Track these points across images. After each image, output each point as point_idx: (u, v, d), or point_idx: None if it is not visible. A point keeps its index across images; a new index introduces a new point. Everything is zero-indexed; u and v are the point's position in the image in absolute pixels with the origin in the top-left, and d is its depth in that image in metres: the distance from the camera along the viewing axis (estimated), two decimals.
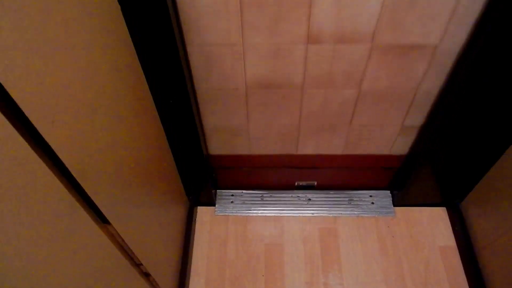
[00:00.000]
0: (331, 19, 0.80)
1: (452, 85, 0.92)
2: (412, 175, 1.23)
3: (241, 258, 1.28)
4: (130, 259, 0.77)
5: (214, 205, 1.38)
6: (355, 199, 1.39)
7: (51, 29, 0.44)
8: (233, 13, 0.79)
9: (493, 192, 1.12)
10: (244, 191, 1.41)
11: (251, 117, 1.07)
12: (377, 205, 1.37)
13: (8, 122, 0.37)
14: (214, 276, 1.24)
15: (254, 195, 1.40)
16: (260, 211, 1.37)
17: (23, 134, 0.40)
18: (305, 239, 1.31)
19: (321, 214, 1.36)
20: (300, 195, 1.40)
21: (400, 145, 1.18)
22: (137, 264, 0.81)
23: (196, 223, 1.35)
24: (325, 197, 1.39)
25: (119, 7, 0.64)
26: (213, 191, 1.37)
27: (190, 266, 1.26)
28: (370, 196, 1.39)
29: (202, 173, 1.24)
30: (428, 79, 0.94)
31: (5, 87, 0.37)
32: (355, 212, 1.36)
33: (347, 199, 1.39)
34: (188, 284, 1.23)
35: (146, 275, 0.88)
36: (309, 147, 1.19)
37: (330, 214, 1.36)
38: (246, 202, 1.39)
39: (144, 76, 0.78)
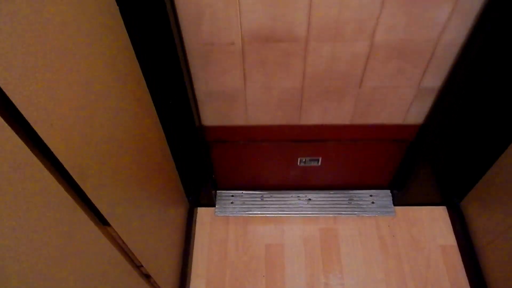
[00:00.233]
0: None
1: (476, 36, 0.81)
2: (412, 174, 1.23)
3: (242, 259, 1.27)
4: (130, 261, 0.77)
5: (214, 206, 1.38)
6: (355, 199, 1.39)
7: (49, 31, 0.44)
8: None
9: (493, 191, 1.12)
10: (244, 192, 1.41)
11: (248, 79, 0.94)
12: (377, 204, 1.37)
13: (7, 125, 0.37)
14: (214, 277, 1.24)
15: (254, 195, 1.40)
16: (260, 212, 1.37)
17: (22, 137, 0.40)
18: (306, 239, 1.31)
19: (321, 214, 1.36)
20: (300, 195, 1.40)
21: (415, 113, 1.04)
22: (137, 266, 0.81)
23: (196, 224, 1.35)
24: (325, 197, 1.39)
25: (117, 8, 0.64)
26: (213, 192, 1.37)
27: (191, 267, 1.26)
28: (370, 195, 1.39)
29: (202, 171, 1.23)
30: (451, 28, 0.82)
31: (4, 90, 0.36)
32: (356, 212, 1.36)
33: (347, 199, 1.39)
34: (189, 285, 1.22)
35: (147, 276, 0.88)
36: (313, 116, 1.06)
37: (330, 214, 1.36)
38: (246, 202, 1.39)
39: (143, 76, 0.78)
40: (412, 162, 1.20)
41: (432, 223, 1.33)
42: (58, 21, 0.46)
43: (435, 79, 0.94)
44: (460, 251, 1.27)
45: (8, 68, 0.37)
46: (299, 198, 1.39)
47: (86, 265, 0.57)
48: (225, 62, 0.90)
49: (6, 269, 0.40)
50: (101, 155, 0.58)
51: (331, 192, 1.40)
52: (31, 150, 0.41)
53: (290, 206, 1.38)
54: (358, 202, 1.38)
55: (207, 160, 1.22)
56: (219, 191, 1.41)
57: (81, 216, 0.54)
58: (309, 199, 1.39)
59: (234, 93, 0.99)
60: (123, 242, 0.69)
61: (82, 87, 0.52)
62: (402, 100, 1.00)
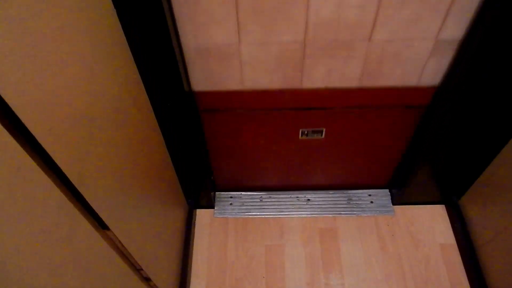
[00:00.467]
0: None
1: None
2: (411, 173, 1.23)
3: (241, 260, 1.27)
4: (130, 264, 0.76)
5: (213, 207, 1.38)
6: (354, 198, 1.39)
7: (47, 36, 0.43)
8: None
9: (491, 189, 1.13)
10: (243, 193, 1.41)
11: (243, 31, 0.83)
12: (376, 204, 1.37)
13: (5, 130, 0.37)
14: (214, 279, 1.24)
15: (253, 196, 1.40)
16: (259, 213, 1.36)
17: (20, 142, 0.40)
18: (305, 239, 1.31)
19: (321, 215, 1.36)
20: (299, 195, 1.40)
21: (431, 73, 0.93)
22: (137, 269, 0.81)
23: (196, 226, 1.35)
24: (324, 197, 1.39)
25: (115, 11, 0.64)
26: (212, 193, 1.37)
27: (191, 269, 1.25)
28: (369, 195, 1.39)
29: (200, 169, 1.23)
30: None
31: (2, 95, 0.36)
32: (355, 212, 1.36)
33: (346, 198, 1.39)
34: (189, 287, 1.22)
35: (147, 280, 0.88)
36: (316, 78, 0.94)
37: (329, 214, 1.36)
38: (245, 204, 1.39)
39: (140, 79, 0.78)
40: (411, 161, 1.20)
41: (431, 222, 1.33)
42: (56, 26, 0.45)
43: (456, 29, 0.82)
44: (459, 249, 1.27)
45: (6, 73, 0.37)
46: (298, 198, 1.39)
47: (86, 269, 0.57)
48: (216, 10, 0.78)
49: (6, 273, 0.39)
50: (99, 159, 0.58)
51: (330, 192, 1.40)
52: (29, 154, 0.41)
53: (289, 206, 1.38)
54: (357, 202, 1.38)
55: (204, 153, 1.20)
56: (218, 192, 1.41)
57: (80, 220, 0.54)
58: (308, 200, 1.39)
59: (227, 50, 0.87)
60: (123, 246, 0.69)
61: (80, 91, 0.52)
62: (417, 56, 0.88)
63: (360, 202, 1.38)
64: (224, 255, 1.28)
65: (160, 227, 1.00)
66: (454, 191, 1.31)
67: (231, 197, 1.40)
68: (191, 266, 1.26)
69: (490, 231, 1.14)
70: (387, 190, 1.40)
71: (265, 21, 0.81)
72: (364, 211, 1.36)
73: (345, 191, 1.40)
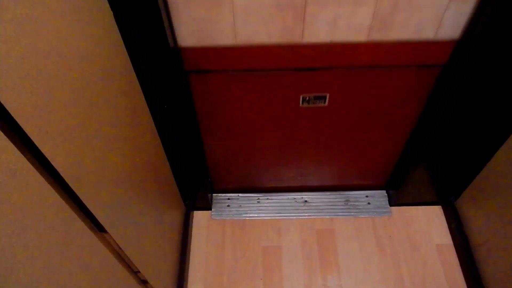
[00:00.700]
0: None
1: None
2: (408, 174, 1.23)
3: (239, 262, 1.27)
4: (127, 267, 0.76)
5: (210, 209, 1.38)
6: (351, 199, 1.39)
7: (43, 39, 0.43)
8: None
9: (487, 190, 1.13)
10: (240, 195, 1.41)
11: None
12: (373, 205, 1.38)
13: (2, 133, 0.37)
14: (212, 281, 1.24)
15: (250, 198, 1.40)
16: (256, 214, 1.36)
17: (17, 145, 0.39)
18: (303, 241, 1.31)
19: (318, 216, 1.36)
20: (296, 197, 1.40)
21: (452, 22, 0.82)
22: (134, 272, 0.81)
23: (193, 228, 1.34)
24: (321, 198, 1.39)
25: (111, 13, 0.64)
26: (209, 195, 1.37)
27: (188, 271, 1.25)
28: (366, 196, 1.39)
29: (198, 172, 1.22)
30: None
31: None
32: (352, 213, 1.36)
33: (343, 200, 1.39)
34: None
35: (144, 282, 0.87)
36: (319, 30, 0.82)
37: (326, 215, 1.36)
38: (242, 205, 1.39)
39: (137, 80, 0.78)
40: (407, 161, 1.20)
41: (428, 223, 1.34)
42: (52, 29, 0.45)
43: None
44: (456, 249, 1.27)
45: (3, 76, 0.36)
46: (295, 200, 1.39)
47: (83, 272, 0.56)
48: None
49: (3, 278, 0.39)
50: (97, 161, 0.58)
51: (327, 193, 1.40)
52: (26, 158, 0.41)
53: (287, 208, 1.38)
54: (354, 203, 1.38)
55: (201, 150, 1.19)
56: (215, 194, 1.41)
57: (78, 223, 0.53)
58: (305, 201, 1.39)
59: None
60: (120, 248, 0.69)
61: (77, 94, 0.52)
62: (435, 2, 0.78)
63: (357, 203, 1.38)
64: (222, 257, 1.28)
65: (157, 229, 0.99)
66: (451, 192, 1.32)
67: (228, 199, 1.40)
68: (188, 268, 1.26)
69: (487, 232, 1.15)
70: (384, 191, 1.40)
71: None
72: (361, 212, 1.36)
73: (342, 192, 1.40)
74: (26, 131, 0.40)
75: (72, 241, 0.52)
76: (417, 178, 1.25)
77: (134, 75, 0.76)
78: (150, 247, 0.90)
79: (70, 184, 0.49)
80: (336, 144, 1.18)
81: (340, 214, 1.36)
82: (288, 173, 1.33)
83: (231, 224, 1.35)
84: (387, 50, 0.87)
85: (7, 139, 0.38)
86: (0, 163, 0.37)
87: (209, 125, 1.09)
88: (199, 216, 1.37)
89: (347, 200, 1.39)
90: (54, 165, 0.46)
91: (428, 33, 0.84)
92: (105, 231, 0.62)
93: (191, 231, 1.33)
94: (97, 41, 0.58)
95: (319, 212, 1.36)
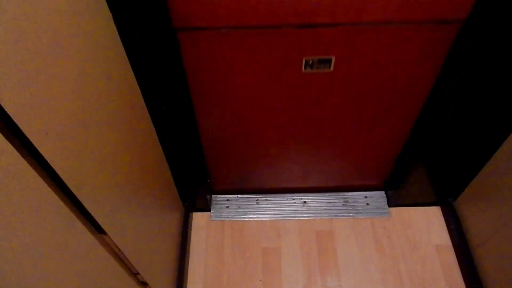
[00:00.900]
0: None
1: None
2: (406, 175, 1.23)
3: (238, 264, 1.27)
4: (126, 268, 0.76)
5: (209, 210, 1.38)
6: (350, 200, 1.39)
7: (42, 40, 0.43)
8: None
9: (486, 190, 1.13)
10: (239, 196, 1.41)
11: None
12: (372, 206, 1.38)
13: (1, 134, 0.37)
14: (211, 283, 1.24)
15: (249, 199, 1.40)
16: (256, 216, 1.36)
17: (16, 147, 0.39)
18: (302, 242, 1.31)
19: (317, 217, 1.36)
20: (295, 198, 1.40)
21: None
22: (133, 274, 0.81)
23: (192, 229, 1.34)
24: (320, 199, 1.39)
25: (110, 15, 0.64)
26: (208, 196, 1.37)
27: (187, 273, 1.25)
28: (365, 197, 1.39)
29: (197, 173, 1.22)
30: None
31: None
32: (351, 214, 1.36)
33: (342, 201, 1.39)
34: None
35: (143, 284, 0.87)
36: None
37: (325, 216, 1.36)
38: (241, 206, 1.39)
39: (136, 82, 0.78)
40: (406, 162, 1.21)
41: (427, 223, 1.34)
42: (51, 30, 0.45)
43: None
44: (455, 250, 1.28)
45: (2, 77, 0.36)
46: (294, 201, 1.39)
47: (83, 274, 0.56)
48: None
49: (2, 280, 0.39)
50: (96, 163, 0.58)
51: (326, 194, 1.40)
52: (25, 159, 0.41)
53: (286, 209, 1.38)
54: (353, 204, 1.38)
55: (200, 151, 1.18)
56: (214, 195, 1.41)
57: (77, 225, 0.53)
58: (304, 202, 1.39)
59: None
60: (119, 250, 0.69)
61: (76, 95, 0.52)
62: None
63: (356, 204, 1.38)
64: (221, 258, 1.28)
65: (157, 231, 0.99)
66: (450, 192, 1.32)
67: (227, 200, 1.40)
68: (187, 270, 1.26)
69: (486, 232, 1.15)
70: (383, 192, 1.40)
71: None
72: (360, 213, 1.36)
73: (341, 193, 1.40)
74: (25, 133, 0.40)
75: (71, 242, 0.52)
76: (415, 179, 1.25)
77: (133, 75, 0.76)
78: (149, 249, 0.90)
79: (69, 186, 0.49)
80: (340, 120, 1.08)
81: (339, 215, 1.36)
82: (288, 160, 1.25)
83: (230, 225, 1.35)
84: (401, 1, 0.77)
85: (6, 140, 0.38)
86: (0, 165, 0.37)
87: (202, 99, 0.99)
88: (198, 218, 1.37)
89: (346, 201, 1.39)
90: (53, 167, 0.46)
91: None
92: (104, 233, 0.62)
93: (190, 232, 1.33)
94: (96, 42, 0.58)
95: (318, 213, 1.36)
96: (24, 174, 0.41)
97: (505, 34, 0.80)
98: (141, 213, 0.84)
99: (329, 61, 0.90)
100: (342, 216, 1.36)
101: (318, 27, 0.82)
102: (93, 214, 0.56)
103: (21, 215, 0.41)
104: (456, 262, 1.26)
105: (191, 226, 1.35)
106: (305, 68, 0.92)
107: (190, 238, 1.32)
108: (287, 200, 1.40)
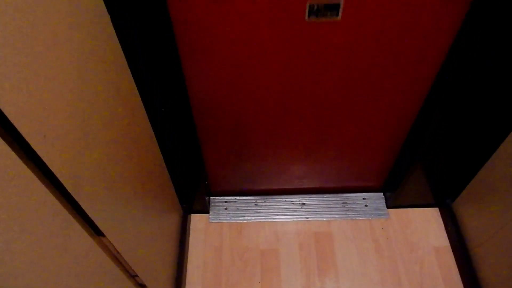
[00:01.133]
0: None
1: None
2: (405, 176, 1.24)
3: (237, 265, 1.27)
4: (125, 270, 0.76)
5: (208, 212, 1.38)
6: (348, 202, 1.39)
7: (40, 43, 0.43)
8: None
9: (484, 192, 1.14)
10: (237, 198, 1.40)
11: None
12: (370, 207, 1.38)
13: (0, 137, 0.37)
14: (210, 284, 1.23)
15: (247, 201, 1.40)
16: (254, 217, 1.36)
17: (15, 149, 0.39)
18: (300, 243, 1.31)
19: (315, 218, 1.36)
20: (294, 199, 1.40)
21: None
22: (132, 276, 0.80)
23: (190, 231, 1.34)
24: (318, 201, 1.39)
25: (108, 16, 0.64)
26: (206, 198, 1.37)
27: (186, 275, 1.25)
28: (364, 198, 1.40)
29: (195, 175, 1.22)
30: None
31: None
32: (349, 215, 1.36)
33: (340, 202, 1.39)
34: None
35: (142, 286, 0.87)
36: None
37: (324, 218, 1.36)
38: (240, 208, 1.38)
39: (135, 84, 0.78)
40: (405, 163, 1.21)
41: (425, 225, 1.34)
42: (49, 32, 0.45)
43: None
44: (453, 251, 1.28)
45: (0, 79, 0.36)
46: (293, 202, 1.39)
47: (81, 276, 0.56)
48: None
49: (1, 282, 0.39)
50: (94, 165, 0.58)
51: (325, 196, 1.40)
52: (24, 162, 0.41)
53: (284, 210, 1.38)
54: (352, 206, 1.38)
55: (198, 151, 1.17)
56: (213, 197, 1.41)
57: (75, 227, 0.53)
58: (303, 203, 1.39)
59: None
60: (118, 252, 0.69)
61: (75, 98, 0.52)
62: None
63: (354, 206, 1.38)
64: (219, 260, 1.28)
65: (155, 233, 0.99)
66: (448, 194, 1.32)
67: (226, 202, 1.40)
68: (186, 272, 1.25)
69: (484, 233, 1.15)
70: (381, 194, 1.40)
71: None
72: (358, 214, 1.36)
73: (339, 195, 1.40)
74: (23, 135, 0.40)
75: (70, 245, 0.52)
76: (414, 180, 1.25)
77: (131, 77, 0.76)
78: (148, 251, 0.90)
79: (68, 188, 0.49)
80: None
81: (338, 216, 1.36)
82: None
83: (228, 227, 1.35)
84: None
85: (4, 143, 0.38)
86: None
87: (192, 57, 0.87)
88: (196, 219, 1.37)
89: (345, 203, 1.39)
90: (51, 169, 0.45)
91: None
92: (103, 235, 0.61)
93: (189, 234, 1.33)
94: (94, 44, 0.58)
95: (316, 215, 1.36)
96: (22, 177, 0.41)
97: (505, 34, 0.80)
98: (139, 215, 0.84)
99: (337, 6, 0.77)
100: (341, 217, 1.36)
101: None
102: (91, 216, 0.56)
103: (20, 217, 0.41)
104: (454, 263, 1.26)
105: (189, 228, 1.34)
106: (309, 15, 0.79)
107: (188, 240, 1.32)
108: (285, 201, 1.40)
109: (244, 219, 1.36)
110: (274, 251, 1.30)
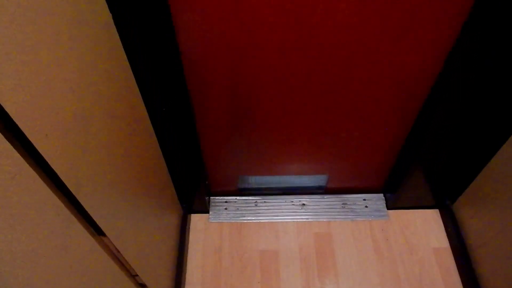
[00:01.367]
0: None
1: None
2: (405, 177, 1.24)
3: (236, 266, 1.27)
4: (125, 270, 0.76)
5: (207, 212, 1.38)
6: (348, 203, 1.39)
7: (42, 42, 0.43)
8: None
9: (484, 193, 1.14)
10: (237, 198, 1.40)
11: None
12: (370, 208, 1.38)
13: (1, 135, 0.37)
14: (209, 285, 1.23)
15: (247, 201, 1.40)
16: (254, 218, 1.36)
17: (17, 148, 0.39)
18: (300, 244, 1.31)
19: (315, 219, 1.36)
20: (294, 200, 1.40)
21: None
22: (132, 275, 0.80)
23: (190, 231, 1.34)
24: (319, 201, 1.39)
25: (110, 16, 0.64)
26: (206, 198, 1.37)
27: (185, 275, 1.25)
28: (364, 199, 1.40)
29: (196, 176, 1.22)
30: None
31: None
32: (349, 216, 1.36)
33: (340, 203, 1.39)
34: None
35: (142, 285, 0.87)
36: None
37: (324, 218, 1.36)
38: (240, 208, 1.38)
39: (136, 83, 0.77)
40: (405, 165, 1.21)
41: (425, 226, 1.34)
42: (52, 31, 0.45)
43: None
44: (453, 253, 1.28)
45: (2, 78, 0.36)
46: (293, 203, 1.39)
47: (82, 276, 0.56)
48: None
49: (1, 282, 0.39)
50: (96, 164, 0.58)
51: (325, 196, 1.40)
52: (26, 160, 0.40)
53: (284, 211, 1.38)
54: (352, 207, 1.38)
55: (198, 151, 1.17)
56: (213, 197, 1.41)
57: (77, 226, 0.53)
58: (303, 204, 1.39)
59: None
60: (118, 252, 0.69)
61: (77, 96, 0.52)
62: None
63: (354, 207, 1.38)
64: (219, 260, 1.28)
65: (155, 232, 0.99)
66: (448, 195, 1.32)
67: (226, 202, 1.40)
68: (185, 272, 1.25)
69: (484, 235, 1.15)
70: (381, 195, 1.40)
71: None
72: (358, 215, 1.36)
73: (339, 196, 1.40)
74: (26, 133, 0.40)
75: (71, 244, 0.52)
76: (414, 181, 1.25)
77: (133, 76, 0.76)
78: (148, 251, 0.90)
79: (70, 188, 0.49)
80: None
81: (338, 217, 1.36)
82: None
83: (228, 227, 1.35)
84: None
85: (6, 141, 0.37)
86: (0, 165, 0.37)
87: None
88: (196, 219, 1.37)
89: (345, 204, 1.39)
90: (53, 168, 0.45)
91: None
92: (104, 234, 0.61)
93: (189, 234, 1.33)
94: (96, 43, 0.58)
95: (316, 216, 1.36)
96: (24, 175, 0.41)
97: (506, 34, 0.81)
98: (140, 214, 0.84)
99: None
100: (341, 218, 1.36)
101: None
102: (92, 215, 0.56)
103: (21, 216, 0.40)
104: (455, 265, 1.26)
105: (189, 228, 1.34)
106: None
107: (188, 240, 1.32)
108: (285, 202, 1.39)
109: (244, 219, 1.36)
110: (274, 251, 1.29)
